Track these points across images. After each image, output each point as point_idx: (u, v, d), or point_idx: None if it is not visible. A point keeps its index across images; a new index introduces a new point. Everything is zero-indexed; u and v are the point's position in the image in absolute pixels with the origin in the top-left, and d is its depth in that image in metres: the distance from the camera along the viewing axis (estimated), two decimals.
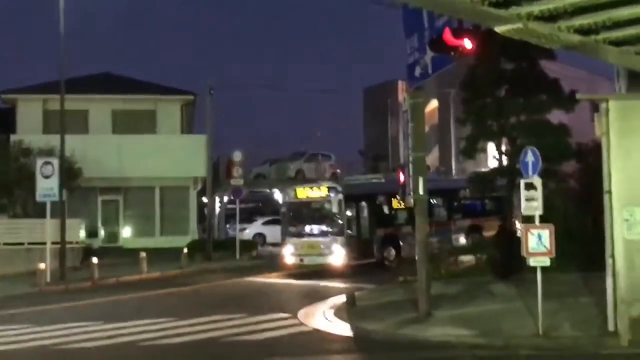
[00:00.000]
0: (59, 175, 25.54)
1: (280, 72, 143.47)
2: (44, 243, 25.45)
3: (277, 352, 13.89)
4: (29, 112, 35.54)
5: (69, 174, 29.30)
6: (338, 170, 38.99)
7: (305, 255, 24.90)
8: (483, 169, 27.37)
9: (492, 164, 25.91)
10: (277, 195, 34.82)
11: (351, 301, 17.70)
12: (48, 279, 24.50)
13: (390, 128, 54.08)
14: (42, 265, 24.51)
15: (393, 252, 25.90)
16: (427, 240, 16.01)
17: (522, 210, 15.01)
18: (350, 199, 25.31)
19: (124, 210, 35.83)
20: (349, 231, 25.09)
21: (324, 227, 25.29)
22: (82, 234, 31.21)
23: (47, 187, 25.45)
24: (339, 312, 17.25)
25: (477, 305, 16.24)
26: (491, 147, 25.47)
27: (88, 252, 29.94)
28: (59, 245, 25.80)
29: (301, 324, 16.55)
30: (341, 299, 18.59)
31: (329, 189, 25.42)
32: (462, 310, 15.77)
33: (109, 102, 36.34)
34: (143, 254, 26.80)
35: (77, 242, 29.66)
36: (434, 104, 47.23)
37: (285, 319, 17.01)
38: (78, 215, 30.62)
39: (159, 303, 20.36)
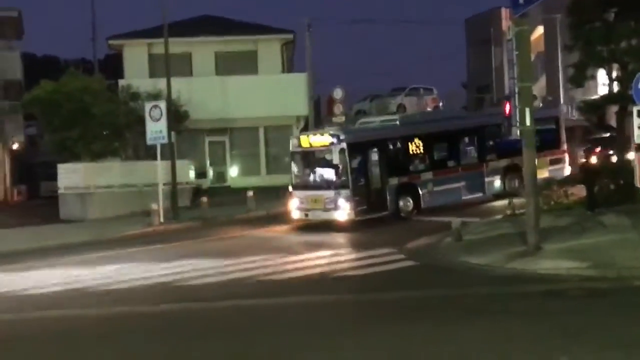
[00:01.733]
0: (167, 118, 26.26)
1: (379, 5, 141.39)
2: (156, 184, 26.30)
3: (384, 287, 14.09)
4: (135, 57, 36.34)
5: (176, 116, 30.07)
6: (440, 104, 38.43)
7: (310, 210, 22.56)
8: (592, 97, 26.42)
9: (602, 91, 24.95)
10: None
11: (457, 235, 17.70)
12: (161, 219, 25.49)
13: (494, 58, 52.68)
14: (155, 206, 25.55)
15: (410, 202, 22.90)
16: (535, 172, 15.69)
17: (636, 139, 14.51)
18: (357, 146, 22.32)
19: (230, 150, 36.57)
20: (359, 182, 22.21)
21: (327, 179, 22.47)
22: (192, 174, 32.12)
23: (156, 129, 26.22)
24: (446, 246, 17.31)
25: (588, 237, 15.80)
26: (601, 73, 24.53)
27: (198, 192, 30.87)
28: (170, 186, 26.75)
29: (407, 258, 16.70)
30: (447, 233, 18.64)
31: (332, 135, 22.49)
32: (572, 242, 15.41)
33: (211, 44, 36.78)
34: (250, 193, 27.41)
35: (187, 183, 30.50)
36: (539, 31, 45.62)
37: (392, 254, 17.18)
38: (187, 157, 31.48)
39: (269, 240, 20.81)
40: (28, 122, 48.83)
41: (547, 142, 25.29)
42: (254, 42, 37.01)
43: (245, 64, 36.29)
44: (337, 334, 10.59)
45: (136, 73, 35.13)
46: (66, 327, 12.56)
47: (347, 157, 21.82)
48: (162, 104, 26.59)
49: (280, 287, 14.64)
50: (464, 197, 24.36)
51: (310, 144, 23.10)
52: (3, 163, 46.01)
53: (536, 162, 25.68)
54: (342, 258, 17.19)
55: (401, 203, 22.84)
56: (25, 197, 45.47)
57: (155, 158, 26.49)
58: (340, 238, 20.49)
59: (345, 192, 21.75)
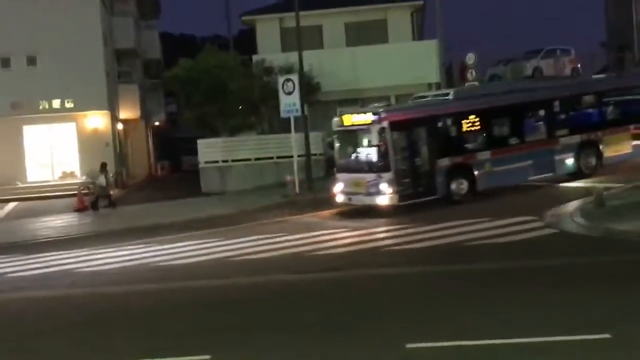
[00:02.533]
0: (300, 90, 26.56)
1: None
2: (291, 156, 26.89)
3: (527, 255, 13.87)
4: (267, 32, 36.92)
5: (309, 89, 30.42)
6: (578, 65, 36.88)
7: (353, 194, 21.20)
8: None
9: None
10: None
11: (600, 202, 17.08)
12: (297, 190, 26.03)
13: (636, 14, 49.98)
14: (290, 177, 26.15)
15: (465, 184, 21.02)
16: None
17: None
18: (400, 124, 20.60)
19: None
20: (403, 163, 20.64)
21: (369, 161, 20.90)
22: (325, 146, 32.51)
23: (289, 102, 26.62)
24: (587, 213, 16.78)
25: None
26: None
27: (331, 163, 31.19)
28: (304, 158, 27.28)
29: (547, 226, 16.34)
30: (588, 200, 18.05)
31: (374, 113, 20.83)
32: None
33: (341, 15, 36.83)
34: None
35: (320, 154, 30.97)
36: None
37: (531, 222, 16.85)
38: (320, 129, 31.86)
39: (405, 209, 20.64)
40: (168, 100, 50.86)
41: (631, 114, 24.78)
42: (384, 10, 36.78)
43: (375, 33, 36.14)
44: (492, 301, 10.57)
45: (269, 48, 35.76)
46: (211, 295, 13.11)
47: (389, 137, 20.22)
48: (295, 77, 26.91)
49: (421, 256, 14.68)
50: (529, 178, 22.17)
51: (352, 123, 21.63)
52: (147, 139, 48.22)
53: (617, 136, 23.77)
54: (479, 227, 16.93)
55: (453, 186, 20.89)
56: (168, 172, 47.55)
57: (289, 131, 26.99)
58: (473, 207, 20.02)
59: (387, 175, 20.17)
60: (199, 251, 17.53)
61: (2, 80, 35.03)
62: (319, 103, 32.93)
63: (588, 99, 24.19)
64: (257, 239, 18.26)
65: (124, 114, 41.98)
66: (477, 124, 21.80)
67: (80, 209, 28.36)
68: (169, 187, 35.19)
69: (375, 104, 23.53)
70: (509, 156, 21.79)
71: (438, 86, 34.29)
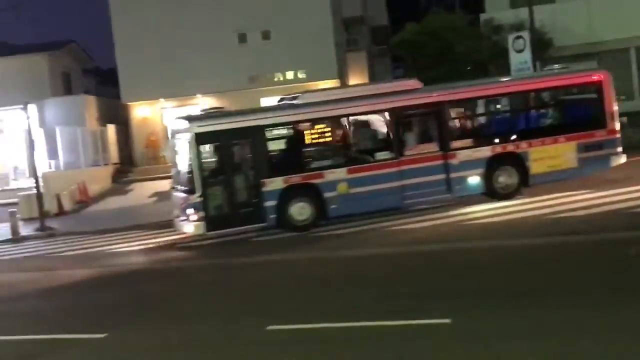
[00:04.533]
0: (531, 48, 25.66)
1: None
2: None
3: None
4: None
5: (540, 45, 29.17)
6: None
7: (176, 218, 18.79)
8: None
9: None
10: None
11: None
12: None
13: None
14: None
15: (308, 210, 17.94)
16: None
17: None
18: (211, 136, 17.64)
19: None
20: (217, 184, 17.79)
21: (182, 179, 18.35)
22: None
23: (520, 61, 25.81)
24: None
25: None
26: None
27: None
28: None
29: None
30: None
31: (185, 121, 18.18)
32: None
33: None
34: (624, 119, 25.75)
35: None
36: None
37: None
38: None
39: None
40: (395, 65, 51.15)
41: (581, 117, 19.74)
42: None
43: None
44: None
45: (497, 5, 34.65)
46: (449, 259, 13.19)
47: (195, 151, 17.33)
48: (526, 34, 26.03)
49: None
50: (407, 202, 18.45)
51: (173, 130, 19.21)
52: None
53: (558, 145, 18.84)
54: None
55: (292, 210, 17.94)
56: None
57: None
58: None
59: (193, 197, 17.33)
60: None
61: (239, 55, 37.03)
62: (552, 60, 31.47)
63: (506, 100, 20.33)
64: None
65: (353, 80, 42.80)
66: (326, 134, 18.77)
67: None
68: None
69: (285, 96, 20.48)
70: (374, 174, 18.19)
71: None
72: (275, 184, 17.73)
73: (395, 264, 13.51)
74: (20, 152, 33.42)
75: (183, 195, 17.93)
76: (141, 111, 37.59)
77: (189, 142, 17.47)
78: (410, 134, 19.41)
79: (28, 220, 26.51)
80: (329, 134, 18.79)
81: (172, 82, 35.64)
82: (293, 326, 9.76)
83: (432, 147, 18.77)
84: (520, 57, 25.66)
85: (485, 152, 18.71)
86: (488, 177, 18.65)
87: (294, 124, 18.39)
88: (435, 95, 18.86)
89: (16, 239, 23.90)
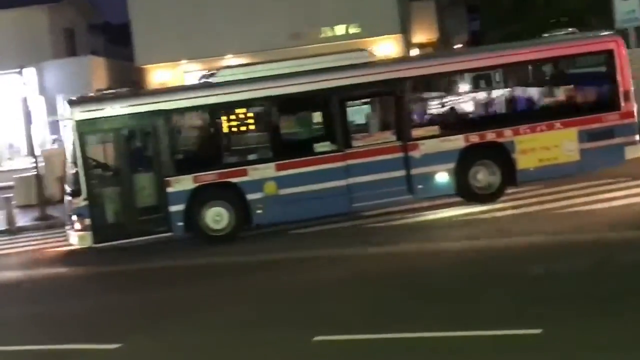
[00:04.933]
0: None
1: None
2: None
3: None
4: None
5: None
6: None
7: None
8: None
9: None
10: None
11: None
12: None
13: None
14: None
15: (225, 216, 17.51)
16: None
17: None
18: (99, 123, 17.31)
19: None
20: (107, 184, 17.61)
21: (68, 178, 18.43)
22: None
23: (627, 10, 25.60)
24: None
25: None
26: None
27: None
28: None
29: None
30: None
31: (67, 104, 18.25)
32: None
33: None
34: None
35: None
36: None
37: None
38: None
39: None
40: (472, 16, 50.79)
41: (585, 97, 19.05)
42: None
43: None
44: None
45: None
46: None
47: (82, 143, 16.87)
48: None
49: None
50: (355, 204, 17.94)
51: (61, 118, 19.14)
52: None
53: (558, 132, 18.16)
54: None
55: (206, 216, 17.45)
56: None
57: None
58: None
59: (77, 201, 16.97)
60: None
61: (279, 6, 37.12)
62: None
63: (485, 76, 19.30)
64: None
65: (419, 36, 42.58)
66: (249, 121, 18.30)
67: None
68: None
69: (207, 72, 20.15)
70: (311, 171, 17.68)
71: None
72: (183, 183, 17.21)
73: (465, 260, 13.62)
74: (16, 125, 33.56)
75: (68, 198, 17.54)
76: (159, 75, 37.68)
77: (71, 131, 17.00)
78: (359, 120, 18.90)
79: (25, 207, 26.71)
80: (253, 120, 18.24)
81: (197, 39, 35.40)
82: (343, 336, 9.87)
83: (388, 137, 18.13)
84: (627, 5, 25.33)
85: (458, 142, 18.01)
86: (461, 175, 17.98)
87: (207, 108, 17.83)
88: (392, 70, 18.34)
89: (12, 230, 24.13)
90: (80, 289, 15.65)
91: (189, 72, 37.33)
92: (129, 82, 31.83)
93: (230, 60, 36.40)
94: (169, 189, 17.21)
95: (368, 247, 15.61)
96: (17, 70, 26.52)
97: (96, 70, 38.19)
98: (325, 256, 15.42)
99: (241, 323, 11.29)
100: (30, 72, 29.96)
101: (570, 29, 20.00)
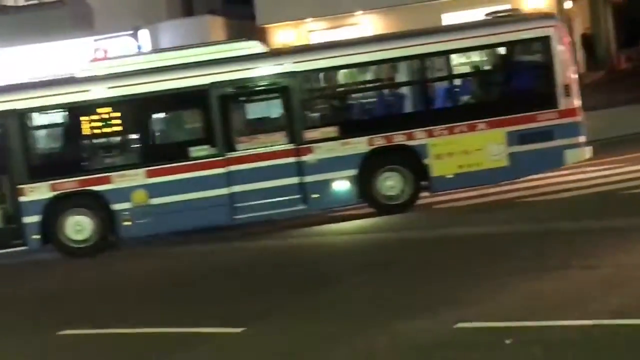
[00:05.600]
0: None
1: None
2: None
3: None
4: None
5: None
6: None
7: None
8: None
9: None
10: None
11: None
12: None
13: None
14: None
15: (87, 227, 16.90)
16: None
17: None
18: None
19: None
20: None
21: None
22: None
23: None
24: None
25: None
26: None
27: None
28: None
29: None
30: None
31: None
32: None
33: None
34: None
35: None
36: None
37: None
38: None
39: None
40: None
41: (516, 93, 17.85)
42: None
43: None
44: None
45: None
46: None
47: None
48: None
49: None
50: (238, 216, 16.97)
51: None
52: (605, 20, 47.03)
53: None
54: None
55: (65, 227, 16.55)
56: (635, 64, 45.92)
57: None
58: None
59: None
60: None
61: None
62: None
63: (392, 67, 18.32)
64: None
65: None
66: (114, 122, 17.17)
67: None
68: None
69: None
70: (187, 178, 16.91)
71: None
72: (39, 191, 16.49)
73: None
74: None
75: None
76: (282, 35, 37.64)
77: None
78: (243, 120, 18.04)
79: None
80: (120, 121, 17.17)
81: None
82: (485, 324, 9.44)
83: (279, 139, 17.20)
84: None
85: (360, 145, 16.98)
86: (365, 183, 16.94)
87: (65, 107, 17.05)
88: (280, 64, 17.38)
89: None
90: None
91: (314, 31, 37.10)
92: None
93: (360, 17, 36.04)
94: (22, 198, 16.54)
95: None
96: (131, 32, 26.83)
97: (214, 31, 38.20)
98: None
99: None
100: (144, 34, 30.27)
101: (508, 9, 19.54)
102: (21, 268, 17.12)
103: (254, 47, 17.87)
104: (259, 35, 38.34)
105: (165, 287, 13.77)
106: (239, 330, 10.38)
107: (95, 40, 31.04)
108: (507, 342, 8.51)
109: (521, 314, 9.55)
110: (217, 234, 17.44)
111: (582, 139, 17.37)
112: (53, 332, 11.02)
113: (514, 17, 18.42)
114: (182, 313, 11.73)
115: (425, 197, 17.88)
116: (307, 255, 15.05)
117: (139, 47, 26.62)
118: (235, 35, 39.47)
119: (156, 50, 17.53)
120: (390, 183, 17.02)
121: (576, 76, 17.75)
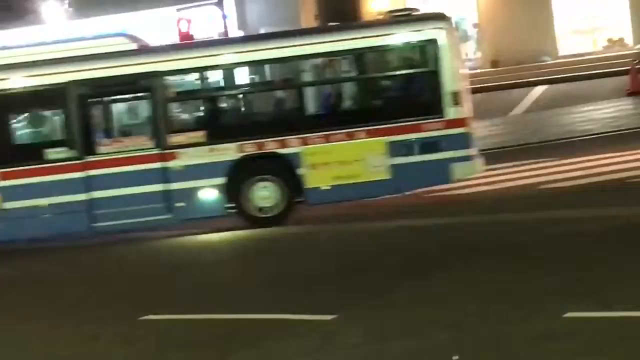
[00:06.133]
0: None
1: None
2: None
3: None
4: None
5: None
6: None
7: None
8: None
9: None
10: None
11: None
12: None
13: None
14: None
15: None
16: None
17: None
18: None
19: None
20: None
21: None
22: None
23: None
24: None
25: None
26: None
27: None
28: None
29: None
30: None
31: None
32: None
33: None
34: None
35: None
36: None
37: None
38: None
39: None
40: None
41: (400, 101, 17.85)
42: None
43: None
44: None
45: None
46: None
47: None
48: None
49: None
50: (97, 224, 16.67)
51: None
52: None
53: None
54: None
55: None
56: None
57: None
58: None
59: None
60: None
61: None
62: None
63: (265, 69, 18.39)
64: None
65: None
66: None
67: (635, 92, 28.16)
68: None
69: None
70: (41, 182, 16.73)
71: None
72: None
73: None
74: None
75: None
76: (377, 2, 37.70)
77: None
78: (104, 122, 17.77)
79: None
80: None
81: None
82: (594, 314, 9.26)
83: (142, 143, 17.03)
84: None
85: (228, 151, 16.76)
86: (234, 192, 16.70)
87: None
88: (146, 62, 17.06)
89: None
90: None
91: None
92: (341, 13, 31.79)
93: None
94: None
95: None
96: (216, 1, 26.99)
97: (305, 0, 38.47)
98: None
99: None
100: (229, 4, 30.43)
101: (408, 8, 19.29)
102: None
103: (121, 43, 17.54)
104: (351, 3, 38.25)
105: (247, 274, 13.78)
106: (329, 317, 10.20)
107: (178, 10, 31.31)
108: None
109: None
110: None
111: (472, 151, 16.90)
112: (135, 318, 10.97)
113: (407, 17, 17.90)
114: (269, 299, 11.59)
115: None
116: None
117: (224, 17, 26.65)
118: (327, 4, 39.40)
119: (16, 45, 17.93)
120: (264, 193, 16.80)
121: (466, 83, 17.29)
